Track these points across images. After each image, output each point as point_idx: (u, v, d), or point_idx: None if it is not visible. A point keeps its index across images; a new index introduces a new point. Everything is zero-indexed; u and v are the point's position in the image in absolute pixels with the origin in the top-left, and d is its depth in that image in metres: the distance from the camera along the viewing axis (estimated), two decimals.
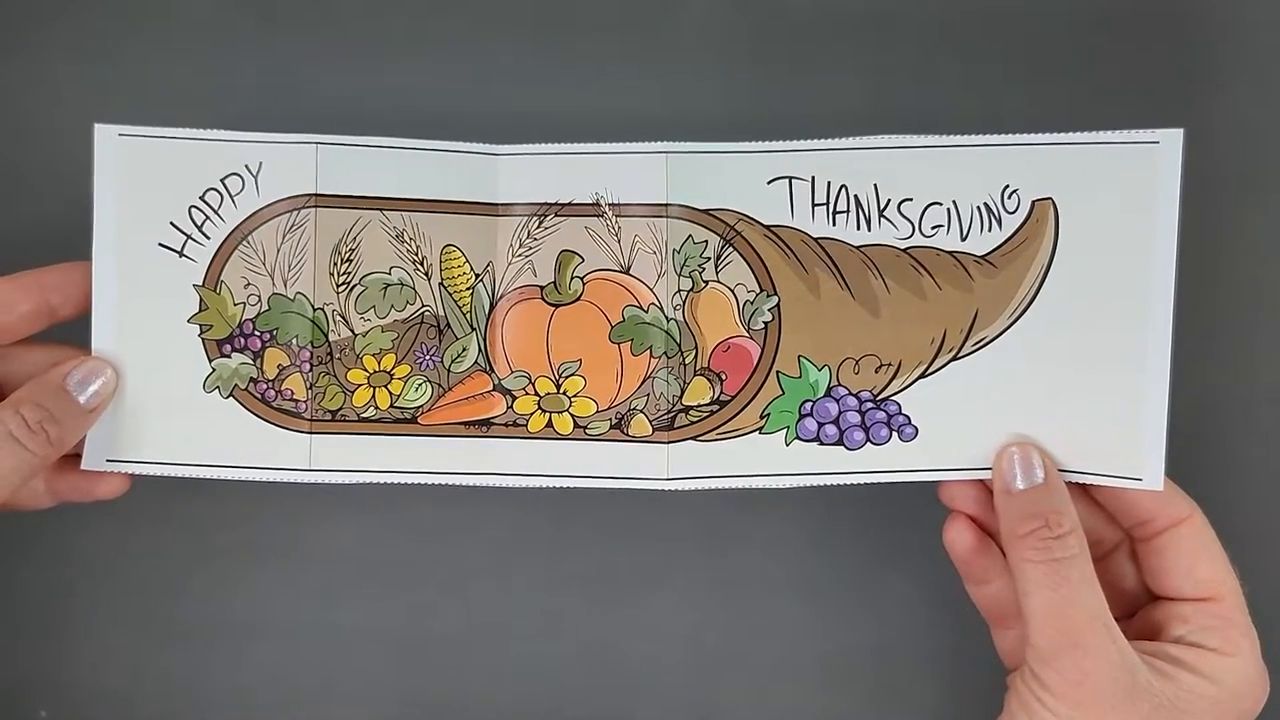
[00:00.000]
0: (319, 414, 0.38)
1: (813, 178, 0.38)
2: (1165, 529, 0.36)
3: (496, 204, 0.38)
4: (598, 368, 0.38)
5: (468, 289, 0.38)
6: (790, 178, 0.38)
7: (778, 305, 0.38)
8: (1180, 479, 0.36)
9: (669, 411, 0.38)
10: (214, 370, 0.38)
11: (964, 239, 0.37)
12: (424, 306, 0.38)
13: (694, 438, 0.38)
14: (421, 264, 0.38)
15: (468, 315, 0.38)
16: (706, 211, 0.38)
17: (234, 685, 0.44)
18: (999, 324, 0.37)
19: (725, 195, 0.38)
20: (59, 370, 0.36)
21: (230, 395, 0.38)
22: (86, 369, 0.37)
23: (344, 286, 0.38)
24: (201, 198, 0.37)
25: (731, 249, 0.38)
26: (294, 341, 0.38)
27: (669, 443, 0.38)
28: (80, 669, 0.44)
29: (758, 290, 0.38)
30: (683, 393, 0.38)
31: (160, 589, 0.44)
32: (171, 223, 0.37)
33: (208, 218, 0.37)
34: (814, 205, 0.38)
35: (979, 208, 0.37)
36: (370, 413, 0.38)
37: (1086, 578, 0.34)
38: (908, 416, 0.38)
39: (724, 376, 0.38)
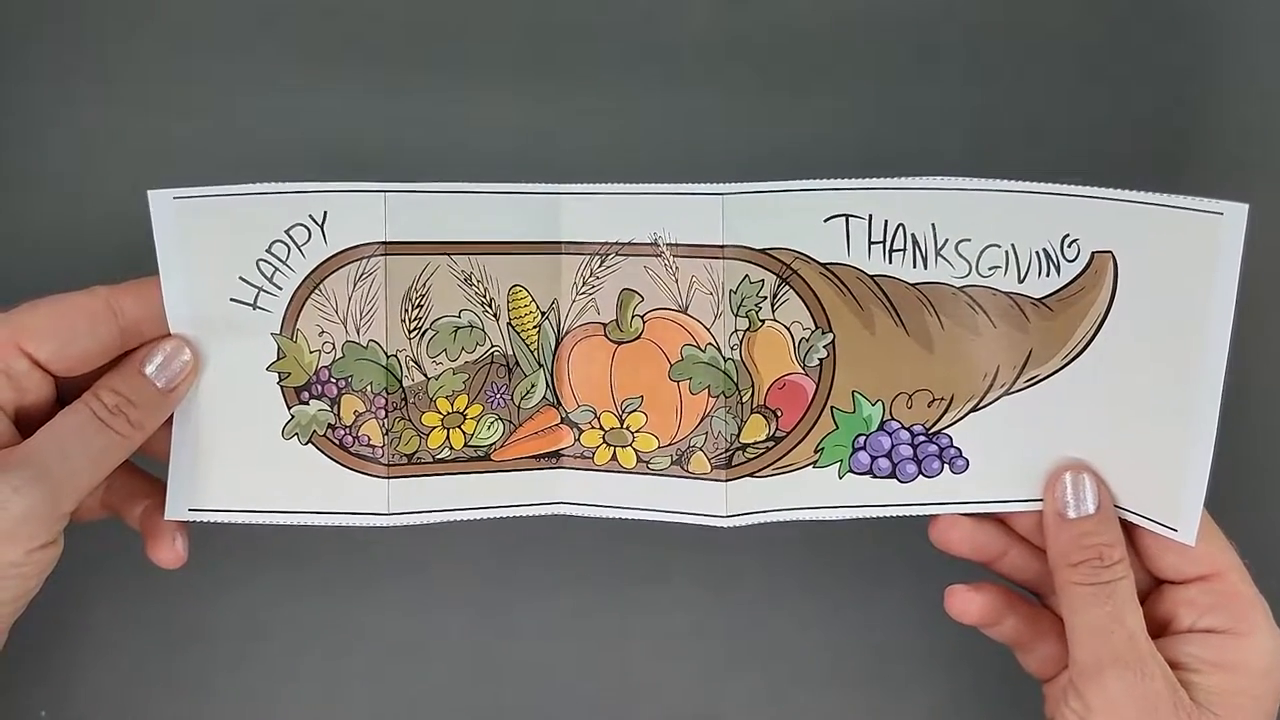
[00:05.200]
0: (395, 458, 0.39)
1: (870, 216, 0.38)
2: None
3: (560, 242, 0.39)
4: (659, 405, 0.39)
5: (534, 327, 0.39)
6: (847, 215, 0.38)
7: (833, 342, 0.39)
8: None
9: (726, 450, 0.39)
10: (293, 417, 0.38)
11: (1021, 281, 0.37)
12: (493, 347, 0.39)
13: (751, 474, 0.39)
14: (489, 305, 0.39)
15: (535, 353, 0.39)
16: (764, 251, 0.38)
17: (235, 686, 0.45)
18: (1052, 364, 0.38)
19: (782, 234, 0.38)
20: (134, 355, 0.37)
21: (309, 442, 0.38)
22: (161, 351, 0.37)
23: (416, 332, 0.38)
24: (268, 250, 0.37)
25: (788, 287, 0.38)
26: (369, 389, 0.38)
27: (727, 480, 0.39)
28: (80, 669, 0.44)
29: (813, 328, 0.39)
30: (740, 430, 0.39)
31: (161, 590, 0.44)
32: (240, 277, 0.38)
33: (277, 269, 0.38)
34: (870, 243, 0.38)
35: (1038, 253, 0.37)
36: (445, 454, 0.39)
37: (1129, 597, 0.36)
38: (959, 449, 0.39)
39: (779, 413, 0.39)
